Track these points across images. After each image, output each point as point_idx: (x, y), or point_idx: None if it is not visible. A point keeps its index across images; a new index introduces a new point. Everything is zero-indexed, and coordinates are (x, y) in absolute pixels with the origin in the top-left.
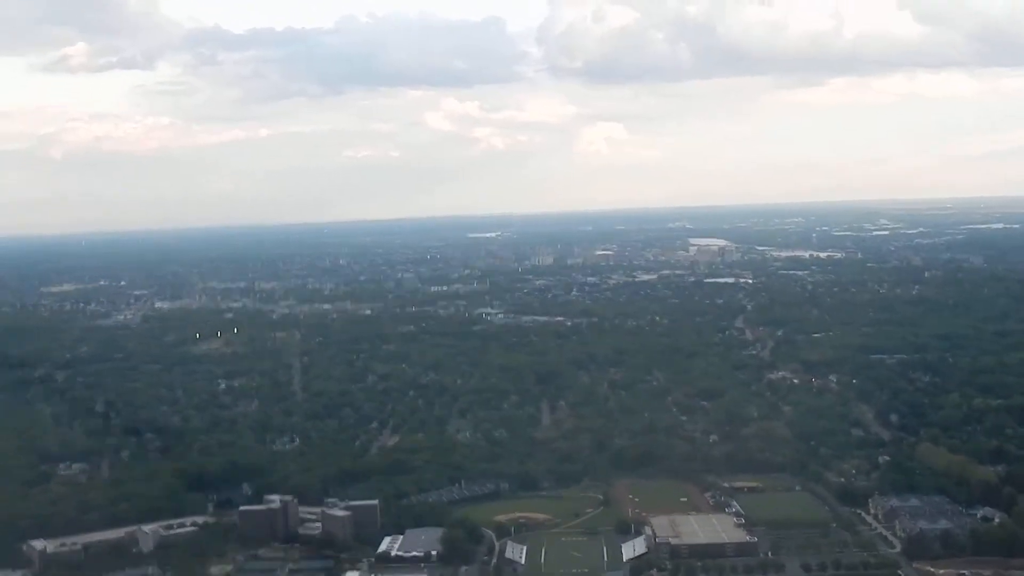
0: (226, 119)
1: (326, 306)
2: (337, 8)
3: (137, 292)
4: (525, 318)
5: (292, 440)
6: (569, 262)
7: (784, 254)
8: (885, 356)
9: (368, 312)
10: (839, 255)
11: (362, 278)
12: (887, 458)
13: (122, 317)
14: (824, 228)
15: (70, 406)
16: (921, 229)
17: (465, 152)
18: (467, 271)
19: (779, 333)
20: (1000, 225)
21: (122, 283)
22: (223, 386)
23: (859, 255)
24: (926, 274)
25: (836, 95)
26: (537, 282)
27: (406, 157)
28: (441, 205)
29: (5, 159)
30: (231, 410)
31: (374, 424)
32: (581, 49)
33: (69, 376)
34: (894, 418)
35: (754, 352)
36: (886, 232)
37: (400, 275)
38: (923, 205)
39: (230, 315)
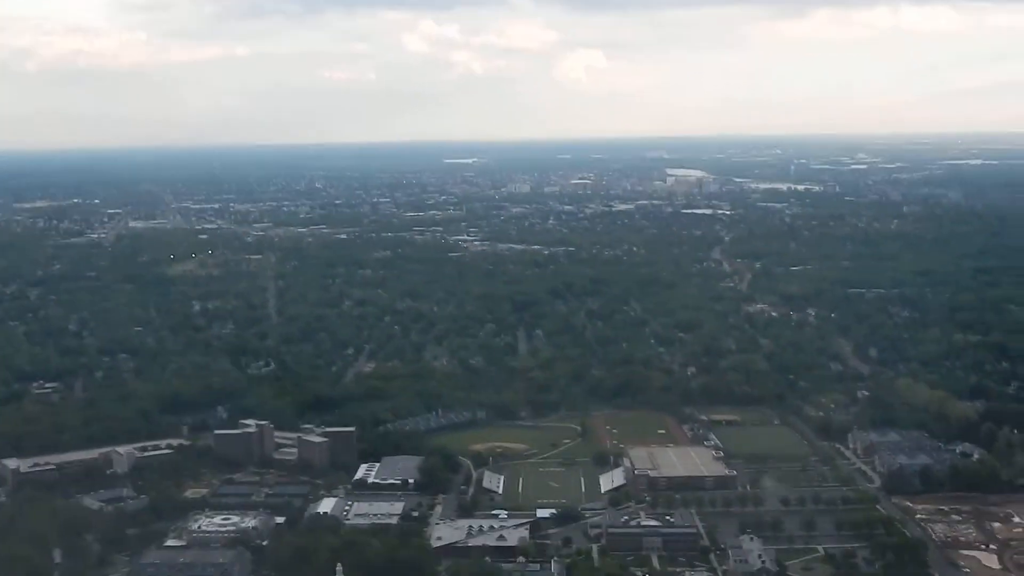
0: (203, 36)
1: (301, 230)
2: None
3: (111, 210)
4: (501, 246)
5: (267, 364)
6: (546, 190)
7: (762, 186)
8: (864, 290)
9: (344, 237)
10: (817, 188)
11: (338, 202)
12: (866, 393)
13: (96, 235)
14: (803, 161)
15: (43, 324)
16: (900, 164)
17: (443, 76)
18: (443, 197)
19: (757, 265)
20: (978, 161)
21: (96, 201)
22: (197, 308)
23: (837, 189)
24: (904, 209)
25: (819, 27)
26: (514, 210)
27: (384, 80)
28: (418, 130)
29: None
30: (206, 332)
31: (350, 350)
32: None
33: (42, 294)
34: (873, 353)
35: (732, 284)
36: (864, 166)
37: (376, 200)
38: (902, 140)
39: (204, 236)
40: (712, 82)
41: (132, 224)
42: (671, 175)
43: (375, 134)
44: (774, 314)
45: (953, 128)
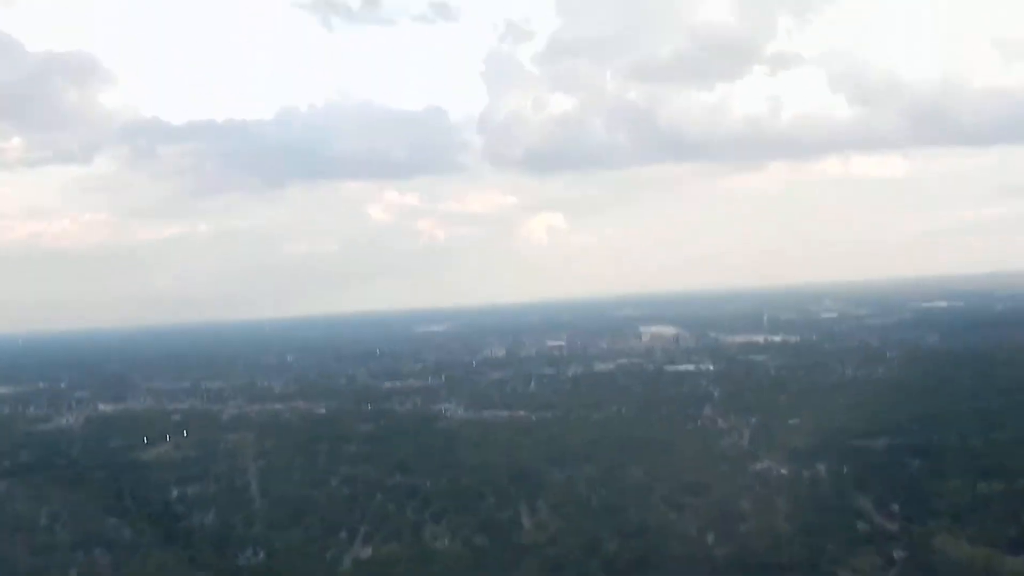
0: (164, 214)
1: (278, 405)
2: (278, 99)
3: (78, 394)
4: (486, 412)
5: (256, 554)
6: (522, 354)
7: (738, 339)
8: (869, 441)
9: (323, 411)
10: (794, 339)
11: (311, 375)
12: (903, 553)
13: (63, 420)
14: (771, 311)
15: (9, 519)
16: (868, 310)
17: (406, 245)
18: (419, 365)
19: (752, 420)
20: (944, 303)
21: (62, 384)
22: (176, 494)
23: (814, 337)
24: (887, 355)
25: (773, 179)
26: (493, 375)
27: (346, 250)
28: (384, 298)
29: None
30: (187, 521)
31: (343, 533)
32: (521, 137)
33: (8, 487)
34: (896, 507)
35: (731, 441)
36: (834, 314)
37: (350, 371)
38: (863, 286)
39: (177, 417)
40: (673, 237)
41: (101, 407)
42: (645, 332)
43: (341, 305)
44: (783, 471)
45: (910, 271)
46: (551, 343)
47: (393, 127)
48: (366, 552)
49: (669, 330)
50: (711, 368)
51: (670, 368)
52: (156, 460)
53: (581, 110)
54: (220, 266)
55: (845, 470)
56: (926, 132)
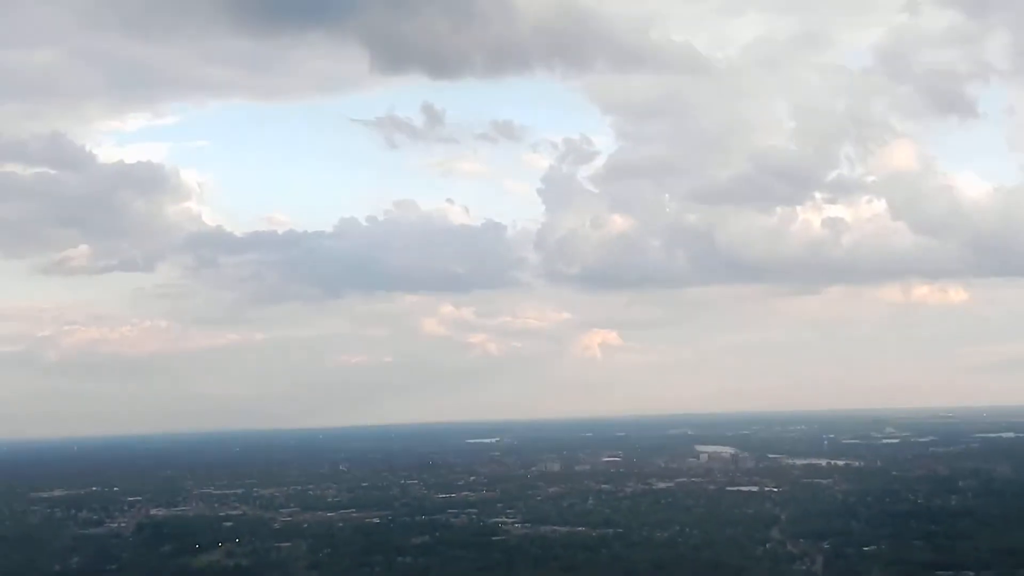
0: (223, 322)
1: (330, 514)
2: (339, 212)
3: (130, 498)
4: (544, 527)
5: None
6: (577, 468)
7: (800, 462)
8: (951, 572)
9: (376, 521)
10: (857, 463)
11: (364, 484)
12: None
13: (115, 525)
14: (831, 436)
15: None
16: (932, 438)
17: (460, 357)
18: (472, 478)
19: (825, 546)
20: (1011, 434)
21: (115, 488)
22: None
23: (879, 463)
24: (959, 483)
25: (832, 304)
26: (550, 489)
27: (401, 362)
28: (436, 410)
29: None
30: None
31: None
32: (579, 255)
33: None
34: None
35: (804, 567)
36: (896, 440)
37: (403, 481)
38: (925, 414)
39: (229, 523)
40: (729, 358)
41: (153, 512)
42: (702, 451)
43: (394, 416)
44: None
45: (971, 401)
46: (606, 459)
47: (451, 241)
48: None
49: (727, 450)
50: (775, 490)
51: (732, 488)
52: (207, 567)
53: (638, 230)
54: (276, 375)
55: None
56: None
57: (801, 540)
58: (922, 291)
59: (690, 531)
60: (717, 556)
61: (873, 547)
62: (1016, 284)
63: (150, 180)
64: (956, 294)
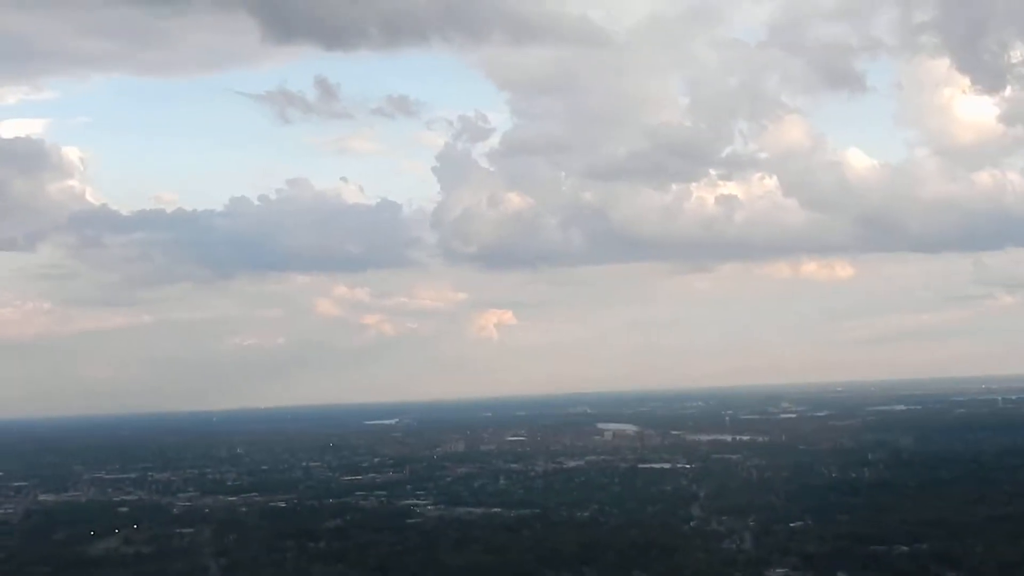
0: (109, 304)
1: (232, 498)
2: (230, 190)
3: (16, 483)
4: (459, 509)
5: None
6: (482, 448)
7: (704, 438)
8: (886, 547)
9: (282, 504)
10: (762, 438)
11: (264, 468)
12: None
13: (2, 511)
14: (729, 412)
15: None
16: (827, 412)
17: (355, 338)
18: (377, 459)
19: (750, 523)
20: (902, 407)
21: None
22: None
23: (784, 438)
24: (868, 456)
25: (724, 281)
26: (458, 470)
27: (294, 343)
28: (332, 392)
29: None
30: None
31: None
32: (475, 234)
33: None
34: None
35: (735, 545)
36: (793, 415)
37: (306, 464)
38: (816, 388)
39: (125, 509)
40: (624, 336)
41: (42, 498)
42: (605, 429)
43: (288, 398)
44: None
45: (858, 375)
46: (510, 438)
47: (345, 220)
48: None
49: (630, 428)
50: (687, 466)
51: (644, 466)
52: (106, 556)
53: (535, 208)
54: (165, 357)
55: None
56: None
57: (724, 517)
58: (811, 267)
59: (610, 509)
60: (644, 535)
61: (799, 523)
62: (900, 259)
63: (29, 156)
64: (843, 269)
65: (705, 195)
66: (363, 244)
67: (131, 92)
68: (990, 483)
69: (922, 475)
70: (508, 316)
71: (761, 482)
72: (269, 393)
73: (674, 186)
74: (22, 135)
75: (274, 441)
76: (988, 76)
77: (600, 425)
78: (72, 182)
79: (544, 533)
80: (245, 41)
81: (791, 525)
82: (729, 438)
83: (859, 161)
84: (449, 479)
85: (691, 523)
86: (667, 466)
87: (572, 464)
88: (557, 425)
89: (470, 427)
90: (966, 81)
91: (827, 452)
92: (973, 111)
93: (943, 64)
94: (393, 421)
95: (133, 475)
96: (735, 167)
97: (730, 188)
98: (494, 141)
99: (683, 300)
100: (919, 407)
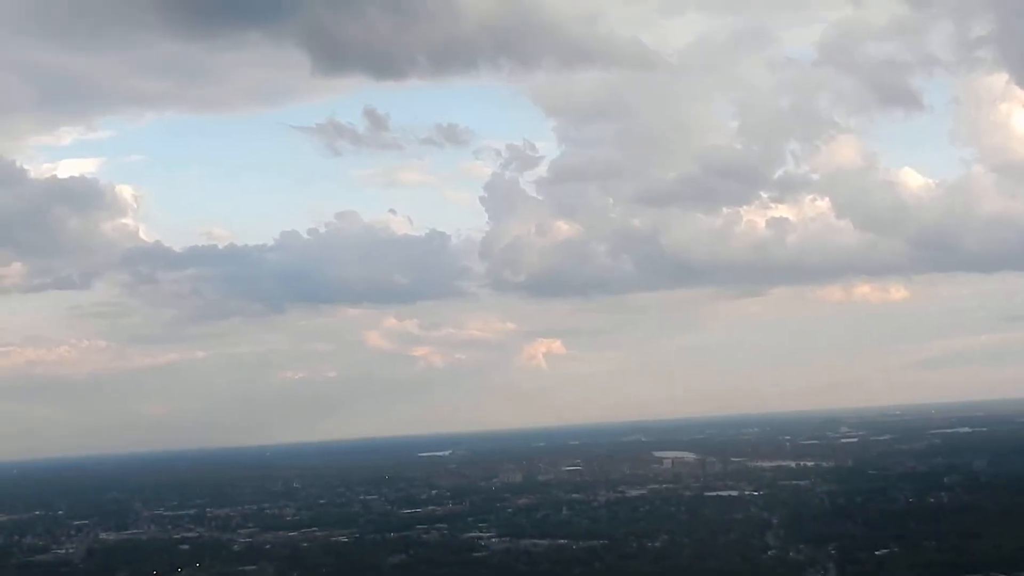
0: (163, 340)
1: (292, 533)
2: (281, 224)
3: (77, 522)
4: (524, 541)
5: None
6: (540, 478)
7: (767, 464)
8: (980, 575)
9: (344, 539)
10: (827, 464)
11: (322, 501)
12: None
13: (63, 551)
14: (788, 437)
15: None
16: (889, 435)
17: (405, 370)
18: (435, 491)
19: (831, 551)
20: (967, 429)
21: (59, 512)
22: None
23: (849, 463)
24: (944, 480)
25: (776, 305)
26: (519, 501)
27: (344, 376)
28: (383, 425)
29: None
30: None
31: None
32: (524, 263)
33: None
34: None
35: (820, 574)
36: (855, 439)
37: (363, 497)
38: (873, 412)
39: (186, 546)
40: (676, 363)
41: (103, 536)
42: (663, 457)
43: (340, 431)
44: None
45: (916, 398)
46: (567, 468)
47: (394, 252)
48: None
49: (688, 455)
50: (755, 493)
51: (710, 494)
52: None
53: (583, 235)
54: (218, 392)
55: None
56: (929, 258)
57: (802, 545)
58: (864, 289)
59: (681, 539)
60: (722, 566)
61: (885, 550)
62: (954, 280)
63: (84, 196)
64: (897, 291)
65: (756, 218)
66: (412, 275)
67: (183, 129)
68: None
69: (1003, 499)
70: (557, 345)
71: (835, 508)
72: (321, 426)
73: (725, 210)
74: (77, 175)
75: (329, 474)
76: None
77: (657, 453)
78: (126, 220)
79: (617, 565)
80: (295, 74)
81: (876, 553)
82: (793, 464)
83: (914, 180)
84: (510, 510)
85: (769, 552)
86: (734, 493)
87: (634, 493)
88: (612, 454)
89: (525, 457)
90: None
91: (899, 476)
92: None
93: (1001, 79)
94: (447, 452)
95: (192, 511)
96: (787, 189)
97: (782, 211)
98: (542, 169)
99: (734, 325)
100: (985, 429)
